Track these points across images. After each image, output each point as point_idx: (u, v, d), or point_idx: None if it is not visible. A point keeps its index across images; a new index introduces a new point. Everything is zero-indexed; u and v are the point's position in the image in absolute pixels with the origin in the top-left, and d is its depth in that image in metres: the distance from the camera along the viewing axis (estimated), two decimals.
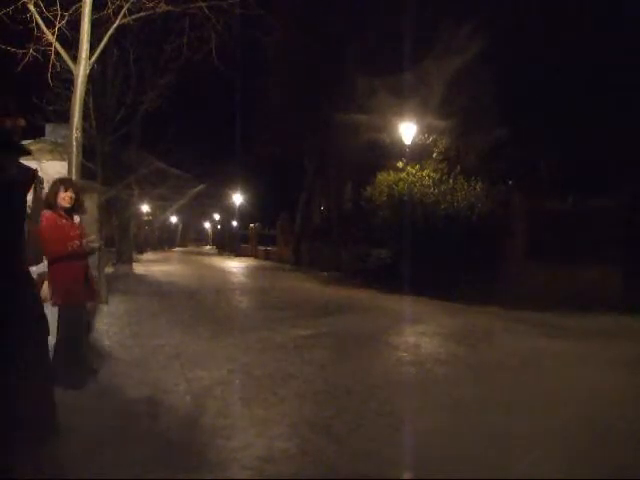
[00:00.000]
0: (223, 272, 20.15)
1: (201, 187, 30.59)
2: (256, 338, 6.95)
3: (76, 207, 4.80)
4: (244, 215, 37.65)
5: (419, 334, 7.44)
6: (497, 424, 3.93)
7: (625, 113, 10.91)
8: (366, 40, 14.46)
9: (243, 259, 30.39)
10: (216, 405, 4.28)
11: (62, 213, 4.69)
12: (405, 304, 10.55)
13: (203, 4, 6.46)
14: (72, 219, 4.78)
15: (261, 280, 16.71)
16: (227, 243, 41.33)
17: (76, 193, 4.76)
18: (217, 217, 50.59)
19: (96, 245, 5.05)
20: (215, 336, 7.09)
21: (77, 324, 4.76)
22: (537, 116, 12.00)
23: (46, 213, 4.63)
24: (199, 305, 10.46)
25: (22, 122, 2.63)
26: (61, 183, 4.76)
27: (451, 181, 12.51)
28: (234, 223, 41.04)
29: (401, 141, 13.44)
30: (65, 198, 4.67)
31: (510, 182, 13.10)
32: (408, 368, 5.67)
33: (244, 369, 5.40)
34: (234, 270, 21.32)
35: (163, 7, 6.09)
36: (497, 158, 12.75)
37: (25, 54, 5.92)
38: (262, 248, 30.69)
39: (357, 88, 13.59)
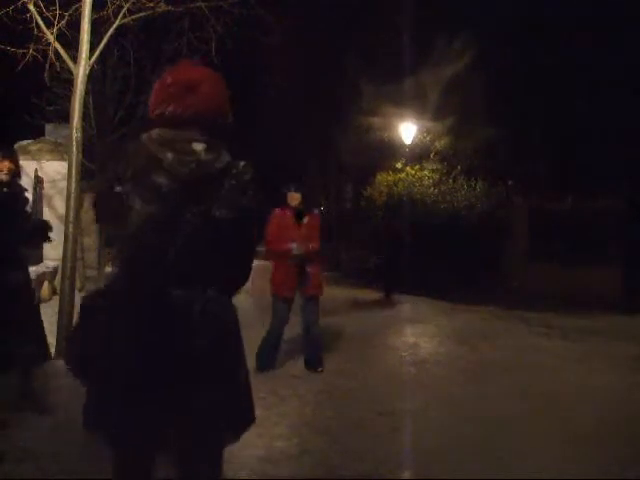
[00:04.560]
0: None
1: None
2: (256, 338, 6.93)
3: (303, 208, 5.16)
4: None
5: (419, 334, 7.44)
6: (498, 424, 3.93)
7: (624, 113, 10.91)
8: (367, 44, 14.47)
9: None
10: None
11: (289, 213, 5.04)
12: (405, 304, 10.55)
13: (203, 4, 6.45)
14: (301, 219, 5.12)
15: (260, 280, 16.68)
16: None
17: (302, 196, 5.14)
18: None
19: (297, 252, 5.11)
20: None
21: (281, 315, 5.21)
22: (533, 116, 12.02)
23: (276, 210, 5.10)
24: None
25: None
26: (291, 183, 5.25)
27: (451, 181, 12.52)
28: None
29: (401, 141, 13.45)
30: (295, 197, 5.09)
31: (510, 182, 13.12)
32: (408, 368, 5.67)
33: None
34: None
35: (163, 7, 6.07)
36: (495, 158, 12.77)
37: (25, 54, 5.91)
38: (262, 248, 30.72)
39: (358, 90, 13.63)
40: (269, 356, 5.25)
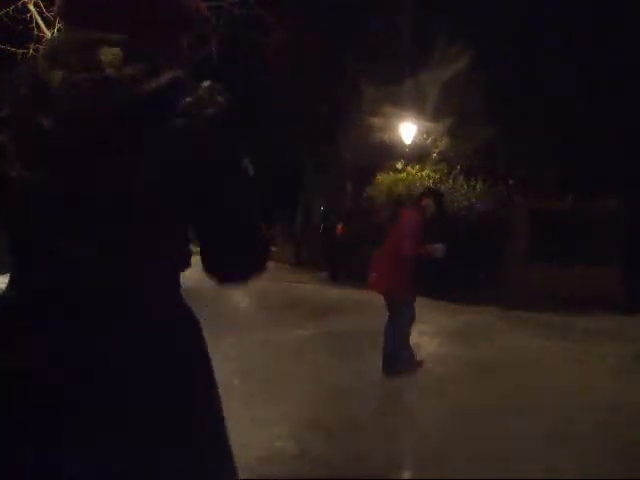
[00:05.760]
0: None
1: None
2: (257, 338, 6.93)
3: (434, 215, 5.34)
4: None
5: (419, 334, 7.42)
6: (497, 424, 3.93)
7: (624, 113, 10.91)
8: (367, 44, 14.50)
9: None
10: None
11: (420, 217, 5.21)
12: None
13: (203, 4, 6.47)
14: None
15: (261, 280, 16.66)
16: None
17: (437, 202, 5.33)
18: None
19: (440, 253, 5.24)
20: (215, 336, 6.99)
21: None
22: (533, 116, 12.03)
23: (410, 212, 5.27)
24: (198, 305, 10.43)
25: None
26: (428, 192, 5.65)
27: (451, 181, 12.52)
28: None
29: (401, 141, 13.47)
30: (427, 205, 5.25)
31: (511, 182, 13.13)
32: None
33: (244, 369, 5.39)
34: None
35: None
36: (495, 158, 12.80)
37: (25, 54, 5.92)
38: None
39: (358, 90, 13.66)
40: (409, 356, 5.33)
